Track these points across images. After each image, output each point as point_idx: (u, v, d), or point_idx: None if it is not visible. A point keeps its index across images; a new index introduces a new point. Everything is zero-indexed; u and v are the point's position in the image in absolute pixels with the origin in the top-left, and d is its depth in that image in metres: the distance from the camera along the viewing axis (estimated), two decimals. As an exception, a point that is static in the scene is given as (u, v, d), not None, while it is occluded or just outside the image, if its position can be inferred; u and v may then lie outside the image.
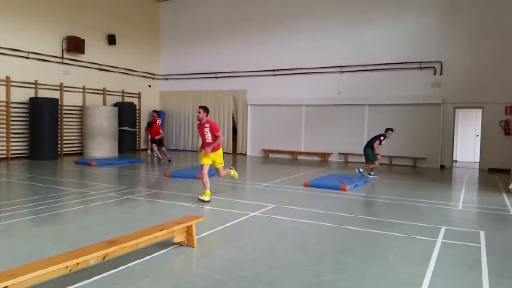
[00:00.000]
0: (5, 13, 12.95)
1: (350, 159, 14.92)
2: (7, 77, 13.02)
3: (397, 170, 12.53)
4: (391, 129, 10.41)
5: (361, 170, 10.28)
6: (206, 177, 6.88)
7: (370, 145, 10.32)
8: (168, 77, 19.01)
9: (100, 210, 6.33)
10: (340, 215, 6.05)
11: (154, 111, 16.65)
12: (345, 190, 8.16)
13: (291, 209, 6.43)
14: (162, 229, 4.08)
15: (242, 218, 5.75)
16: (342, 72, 15.06)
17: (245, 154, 16.89)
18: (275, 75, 16.32)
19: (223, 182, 9.13)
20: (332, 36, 15.17)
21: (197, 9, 18.07)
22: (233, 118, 17.45)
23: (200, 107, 7.02)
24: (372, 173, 10.41)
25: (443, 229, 5.35)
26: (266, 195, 7.57)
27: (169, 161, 13.30)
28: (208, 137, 6.95)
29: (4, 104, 12.92)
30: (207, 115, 7.01)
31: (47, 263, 2.94)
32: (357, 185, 8.80)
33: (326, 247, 4.47)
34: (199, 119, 6.98)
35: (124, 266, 3.72)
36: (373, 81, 14.52)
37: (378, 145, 10.18)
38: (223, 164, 7.28)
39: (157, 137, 13.53)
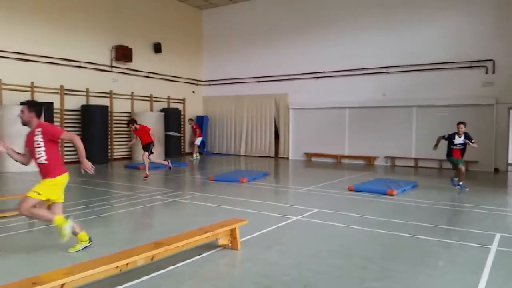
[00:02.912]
0: (60, 26, 13.77)
1: (397, 162, 14.45)
2: (61, 86, 13.83)
3: (448, 174, 11.97)
4: (462, 123, 8.90)
5: (461, 183, 8.85)
6: (45, 214, 4.22)
7: (449, 151, 9.05)
8: (210, 82, 19.37)
9: (147, 212, 6.54)
10: (387, 221, 5.86)
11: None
12: (392, 195, 7.90)
13: (335, 214, 6.32)
14: (206, 232, 4.14)
15: (285, 222, 5.72)
16: (387, 73, 14.65)
17: (287, 158, 16.83)
18: (317, 78, 16.17)
19: (265, 186, 9.15)
20: (376, 37, 14.81)
21: (238, 15, 18.30)
22: (274, 122, 17.47)
23: (25, 103, 4.54)
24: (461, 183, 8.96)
25: (498, 236, 5.04)
26: (309, 200, 7.49)
27: (146, 177, 10.23)
28: (41, 152, 4.28)
29: (59, 111, 13.72)
30: (37, 116, 4.34)
31: (99, 263, 3.07)
32: (404, 189, 8.50)
33: (372, 254, 4.34)
34: (24, 123, 4.41)
35: (169, 268, 3.81)
36: (420, 81, 14.00)
37: (452, 146, 8.93)
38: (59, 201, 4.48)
39: (146, 142, 10.47)
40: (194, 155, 16.45)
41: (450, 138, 8.97)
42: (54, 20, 13.58)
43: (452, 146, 8.93)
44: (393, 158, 14.56)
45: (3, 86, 12.32)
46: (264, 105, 17.60)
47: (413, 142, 14.21)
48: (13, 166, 11.48)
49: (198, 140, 16.60)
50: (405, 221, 5.85)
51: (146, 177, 10.22)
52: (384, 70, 14.67)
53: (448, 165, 13.22)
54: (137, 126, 10.34)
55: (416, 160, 14.08)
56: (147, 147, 10.45)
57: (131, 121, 10.52)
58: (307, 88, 16.40)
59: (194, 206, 7.03)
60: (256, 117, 17.84)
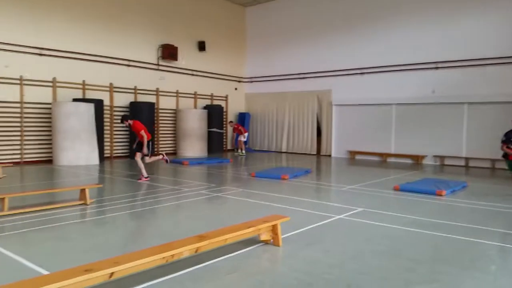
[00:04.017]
0: (110, 26, 14.37)
1: (446, 162, 13.83)
2: (111, 84, 14.44)
3: (502, 174, 11.30)
4: None
5: None
6: None
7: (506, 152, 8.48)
8: (253, 79, 19.46)
9: (191, 206, 6.69)
10: (435, 222, 5.62)
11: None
12: (441, 195, 7.57)
13: (380, 213, 6.15)
14: (249, 227, 4.17)
15: (328, 221, 5.64)
16: (437, 68, 14.03)
17: (330, 156, 16.58)
18: (362, 73, 15.79)
19: (307, 184, 9.07)
20: (425, 31, 14.21)
21: (282, 12, 18.23)
22: (317, 119, 17.27)
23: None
24: None
25: (560, 242, 4.69)
26: (352, 198, 7.34)
27: (140, 179, 9.23)
28: None
29: (108, 108, 14.33)
30: None
31: (146, 254, 3.18)
32: (454, 190, 8.12)
33: (419, 255, 4.19)
34: None
35: (212, 261, 3.87)
36: (473, 77, 13.29)
37: (507, 147, 8.43)
38: None
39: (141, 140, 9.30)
40: (240, 151, 16.65)
41: (509, 137, 8.39)
42: (104, 20, 14.19)
43: (510, 145, 8.36)
44: (442, 157, 13.94)
45: (57, 84, 13.04)
46: (307, 102, 17.43)
47: (463, 140, 13.54)
48: (65, 159, 12.17)
49: (244, 136, 16.76)
50: (455, 223, 5.59)
51: (145, 178, 9.14)
52: (433, 66, 14.06)
53: (502, 164, 12.49)
54: (131, 122, 9.27)
55: (467, 159, 13.41)
56: (146, 145, 9.16)
57: (125, 117, 9.35)
58: (351, 84, 16.06)
59: (236, 201, 7.10)
60: (298, 113, 17.72)
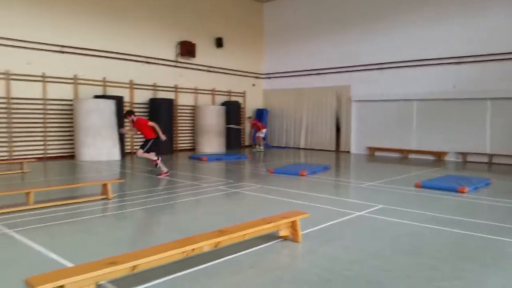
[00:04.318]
0: (130, 23, 14.54)
1: (469, 158, 13.53)
2: (130, 81, 14.63)
3: (527, 171, 11.00)
4: None
5: None
6: None
7: None
8: (271, 75, 19.41)
9: (210, 202, 6.74)
10: (458, 219, 5.52)
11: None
12: (463, 192, 7.42)
13: (401, 210, 6.07)
14: (268, 223, 4.18)
15: (347, 217, 5.60)
16: (459, 63, 13.71)
17: (349, 152, 16.44)
18: (381, 68, 15.56)
19: (325, 180, 9.02)
20: (447, 25, 13.89)
21: (299, 7, 18.10)
22: (336, 114, 17.12)
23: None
24: None
25: None
26: (372, 195, 7.26)
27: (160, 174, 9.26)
28: None
29: (128, 104, 14.54)
30: None
31: (167, 248, 3.22)
32: (477, 187, 7.94)
33: (441, 253, 4.12)
34: None
35: (232, 256, 3.90)
36: (497, 72, 12.92)
37: None
38: None
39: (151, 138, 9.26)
40: (258, 147, 16.69)
41: None
42: (124, 18, 14.37)
43: None
44: (464, 154, 13.65)
45: (79, 81, 13.29)
46: (325, 98, 17.30)
47: (487, 136, 13.21)
48: (87, 155, 12.42)
49: (262, 132, 16.78)
50: (478, 220, 5.47)
51: (160, 174, 9.15)
52: (455, 60, 13.74)
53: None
54: (135, 119, 9.19)
55: (491, 156, 13.08)
56: (146, 143, 9.12)
57: (128, 113, 9.32)
58: (371, 79, 15.85)
59: (254, 197, 7.12)
60: (316, 109, 17.61)
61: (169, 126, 15.07)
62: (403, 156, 14.79)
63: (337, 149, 17.06)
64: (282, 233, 4.39)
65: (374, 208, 6.13)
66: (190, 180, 8.99)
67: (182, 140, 16.48)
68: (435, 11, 14.16)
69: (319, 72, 17.45)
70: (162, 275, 3.36)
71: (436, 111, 14.21)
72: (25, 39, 12.05)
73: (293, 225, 4.41)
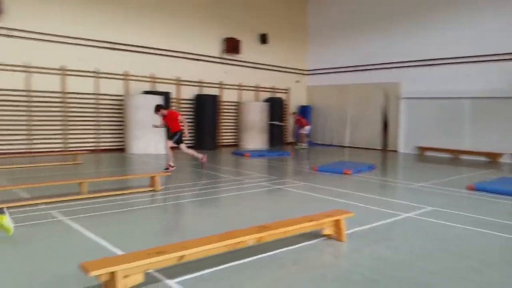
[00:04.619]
0: (177, 21, 14.91)
1: (526, 160, 12.69)
2: (177, 77, 15.01)
3: None
4: None
5: None
6: None
7: None
8: (315, 72, 19.18)
9: (252, 197, 6.79)
10: (511, 224, 5.19)
11: (294, 112, 17.32)
12: (520, 196, 6.96)
13: (452, 213, 5.80)
14: (311, 220, 4.14)
15: (394, 218, 5.43)
16: (517, 59, 12.85)
17: (396, 151, 15.92)
18: (432, 65, 14.91)
19: (371, 179, 8.80)
20: (502, 19, 13.03)
21: (344, 1, 17.72)
22: (383, 112, 16.63)
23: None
24: None
25: None
26: (421, 196, 6.99)
27: (167, 169, 9.24)
28: None
29: (175, 100, 14.93)
30: None
31: (213, 240, 3.28)
32: (536, 191, 7.41)
33: (492, 258, 3.90)
34: None
35: (274, 251, 3.90)
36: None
37: None
38: None
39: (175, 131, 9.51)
40: (301, 144, 16.60)
41: None
42: (172, 16, 14.75)
43: None
44: (522, 156, 12.80)
45: (130, 77, 13.82)
46: (372, 94, 16.84)
47: (549, 138, 12.31)
48: (136, 148, 12.89)
49: (305, 129, 16.66)
50: (538, 227, 5.12)
51: (167, 168, 9.16)
52: (510, 57, 12.91)
53: None
54: (165, 112, 9.41)
55: (552, 159, 12.18)
56: (174, 135, 9.40)
57: (159, 107, 9.45)
58: (421, 76, 15.23)
59: (297, 194, 7.08)
60: (362, 106, 17.19)
61: (213, 122, 15.35)
62: (455, 157, 14.10)
63: (384, 148, 16.57)
64: (326, 231, 4.33)
65: (423, 210, 5.90)
66: (233, 175, 9.09)
67: (225, 136, 16.70)
68: (490, 5, 13.34)
69: (365, 68, 17.02)
70: (208, 266, 3.43)
71: (491, 110, 13.42)
72: (78, 36, 12.67)
73: (337, 224, 4.34)
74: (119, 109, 13.60)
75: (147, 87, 14.20)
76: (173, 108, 14.50)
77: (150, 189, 6.73)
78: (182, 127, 9.43)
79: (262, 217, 5.12)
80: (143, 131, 12.76)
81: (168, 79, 14.78)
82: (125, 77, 13.75)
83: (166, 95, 13.95)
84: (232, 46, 16.18)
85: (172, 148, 9.51)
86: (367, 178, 8.89)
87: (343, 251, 4.08)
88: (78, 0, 12.69)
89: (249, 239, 3.48)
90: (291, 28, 18.72)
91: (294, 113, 17.52)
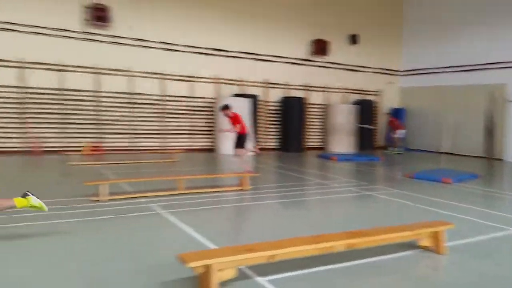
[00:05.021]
0: (264, 24, 15.17)
1: None
2: (264, 80, 15.27)
3: None
4: None
5: None
6: None
7: None
8: (409, 72, 18.12)
9: (340, 202, 6.61)
10: None
11: (387, 113, 16.47)
12: None
13: None
14: (407, 230, 3.90)
15: (502, 233, 4.88)
16: None
17: (502, 160, 14.34)
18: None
19: (474, 190, 8.03)
20: None
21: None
22: (488, 116, 15.09)
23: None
24: None
25: None
26: (533, 210, 6.19)
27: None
28: None
29: (263, 103, 15.21)
30: None
31: (304, 241, 3.25)
32: None
33: None
34: None
35: (366, 260, 3.73)
36: None
37: None
38: None
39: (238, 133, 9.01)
40: (393, 149, 15.83)
41: None
42: (259, 19, 15.03)
43: None
44: None
45: (221, 81, 14.41)
46: (474, 97, 15.37)
47: None
48: (224, 148, 13.38)
49: (399, 133, 15.84)
50: None
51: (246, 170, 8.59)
52: None
53: None
54: (230, 113, 8.85)
55: None
56: (243, 139, 8.89)
57: (225, 107, 8.90)
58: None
59: (389, 202, 6.72)
60: (463, 110, 15.79)
61: (299, 124, 15.35)
62: None
63: (488, 156, 15.02)
64: (423, 242, 4.04)
65: (537, 226, 5.21)
66: (320, 179, 8.96)
67: (311, 138, 16.56)
68: None
69: (465, 68, 15.62)
70: (298, 267, 3.41)
71: None
72: (176, 43, 13.54)
73: (435, 236, 4.02)
74: (211, 111, 14.25)
75: (237, 90, 14.68)
76: (260, 110, 14.83)
77: (240, 188, 6.92)
78: (245, 130, 8.89)
79: (351, 223, 4.96)
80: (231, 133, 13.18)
81: (256, 82, 15.12)
82: (216, 80, 14.37)
83: (254, 97, 14.29)
84: (320, 47, 16.02)
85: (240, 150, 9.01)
86: (470, 188, 8.13)
87: (443, 264, 3.77)
88: (176, 9, 13.60)
89: (342, 244, 3.38)
90: (383, 28, 17.93)
91: (388, 113, 16.66)
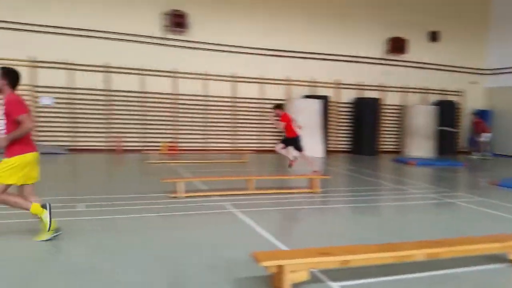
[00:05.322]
0: (338, 24, 14.84)
1: None
2: (336, 80, 14.94)
3: None
4: None
5: None
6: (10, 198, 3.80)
7: None
8: (496, 71, 16.61)
9: (417, 209, 6.24)
10: None
11: (473, 113, 15.23)
12: None
13: None
14: (496, 241, 3.55)
15: None
16: None
17: None
18: None
19: None
20: None
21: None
22: None
23: (3, 68, 3.87)
24: None
25: None
26: None
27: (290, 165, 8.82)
28: (3, 126, 3.73)
29: (334, 104, 14.89)
30: (10, 86, 3.77)
31: (381, 248, 3.11)
32: None
33: None
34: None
35: (449, 270, 3.46)
36: None
37: None
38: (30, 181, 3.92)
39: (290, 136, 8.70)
40: (478, 153, 14.61)
41: None
42: (330, 18, 14.75)
43: None
44: None
45: (291, 82, 14.39)
46: None
47: None
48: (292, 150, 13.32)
49: (484, 136, 14.57)
50: None
51: (290, 164, 8.67)
52: None
53: None
54: (280, 113, 8.58)
55: None
56: (289, 141, 8.64)
57: (278, 106, 8.77)
58: None
59: (472, 210, 6.19)
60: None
61: (372, 126, 14.79)
62: None
63: None
64: (514, 256, 3.66)
65: None
66: (395, 184, 8.55)
67: (386, 141, 15.88)
68: None
69: None
70: (372, 275, 3.26)
71: None
72: (247, 45, 13.76)
73: (530, 250, 3.62)
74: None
75: (307, 91, 14.55)
76: (332, 111, 14.57)
77: (310, 190, 6.83)
78: (297, 133, 8.55)
79: (429, 232, 4.66)
80: (302, 134, 13.09)
81: (327, 83, 14.86)
82: (287, 82, 14.38)
83: (324, 98, 14.06)
84: (397, 45, 15.33)
85: (284, 150, 8.83)
86: None
87: (538, 284, 3.38)
88: (247, 13, 13.82)
89: (423, 253, 3.17)
90: (466, 24, 16.65)
91: (473, 114, 15.38)
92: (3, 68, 3.82)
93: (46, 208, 3.84)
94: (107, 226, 4.58)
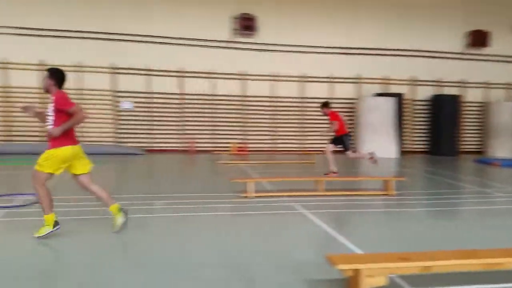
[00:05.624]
0: (411, 19, 14.09)
1: None
2: (411, 77, 14.18)
3: None
4: None
5: None
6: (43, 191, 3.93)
7: None
8: None
9: (504, 214, 5.68)
10: None
11: None
12: None
13: None
14: None
15: None
16: None
17: None
18: None
19: None
20: None
21: None
22: None
23: (50, 70, 4.10)
24: None
25: None
26: None
27: (327, 174, 8.22)
28: (50, 121, 3.97)
29: (409, 101, 14.16)
30: (56, 84, 4.00)
31: (465, 255, 2.89)
32: None
33: None
34: (44, 90, 4.10)
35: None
36: None
37: None
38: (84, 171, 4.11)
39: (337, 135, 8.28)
40: None
41: None
42: (406, 13, 14.06)
43: None
44: None
45: (362, 80, 13.94)
46: None
47: None
48: (363, 150, 12.90)
49: None
50: None
51: (327, 174, 8.14)
52: None
53: None
54: (327, 112, 8.22)
55: None
56: (338, 140, 8.22)
57: (324, 105, 8.35)
58: None
59: None
60: None
61: (452, 125, 13.85)
62: None
63: None
64: None
65: None
66: (479, 186, 7.90)
67: (468, 141, 14.78)
68: None
69: None
70: (456, 282, 3.02)
71: None
72: (314, 45, 13.59)
73: None
74: (351, 112, 13.90)
75: (379, 89, 14.01)
76: (406, 110, 13.89)
77: (384, 193, 6.54)
78: (343, 131, 8.22)
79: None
80: (372, 134, 12.66)
81: (402, 80, 14.20)
82: (358, 80, 13.96)
83: (398, 96, 13.44)
84: (478, 38, 14.22)
85: (334, 151, 8.40)
86: None
87: None
88: (314, 12, 13.67)
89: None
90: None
91: None
92: (50, 69, 4.09)
93: (122, 213, 4.16)
94: (181, 223, 4.77)
